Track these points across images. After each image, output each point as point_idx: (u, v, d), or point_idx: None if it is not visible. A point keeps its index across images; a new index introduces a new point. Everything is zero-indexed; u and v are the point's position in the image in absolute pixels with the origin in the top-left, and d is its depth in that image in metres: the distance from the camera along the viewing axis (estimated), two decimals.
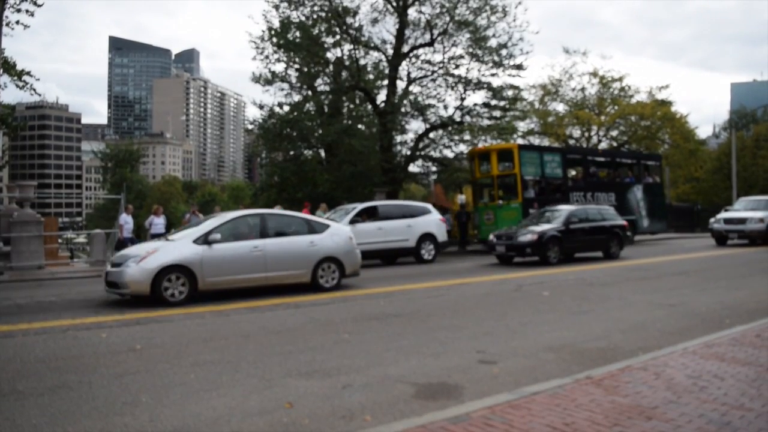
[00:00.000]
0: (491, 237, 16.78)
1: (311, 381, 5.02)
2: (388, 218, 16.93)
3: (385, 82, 26.15)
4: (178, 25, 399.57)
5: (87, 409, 4.41)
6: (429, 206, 18.82)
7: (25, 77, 17.82)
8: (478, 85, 25.92)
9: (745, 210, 22.31)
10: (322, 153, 28.62)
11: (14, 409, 4.43)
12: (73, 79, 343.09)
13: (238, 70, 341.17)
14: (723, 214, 22.57)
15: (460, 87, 26.00)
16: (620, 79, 41.28)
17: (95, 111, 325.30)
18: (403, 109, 25.69)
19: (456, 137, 26.94)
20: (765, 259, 16.12)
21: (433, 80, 26.51)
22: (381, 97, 26.44)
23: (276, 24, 25.23)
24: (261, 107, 27.01)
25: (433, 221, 17.64)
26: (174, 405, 4.46)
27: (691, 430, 3.58)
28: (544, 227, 15.91)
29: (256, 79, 26.25)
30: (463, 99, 26.17)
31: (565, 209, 16.96)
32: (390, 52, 25.86)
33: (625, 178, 25.33)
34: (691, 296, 9.56)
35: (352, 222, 16.12)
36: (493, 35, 25.43)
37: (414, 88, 26.56)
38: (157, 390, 4.83)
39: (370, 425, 3.94)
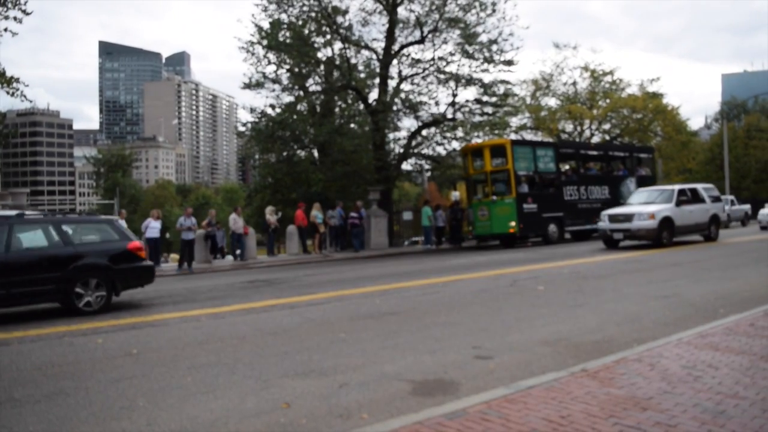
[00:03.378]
0: None
1: (308, 381, 5.03)
2: None
3: (377, 80, 26.17)
4: (164, 27, 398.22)
5: (84, 414, 4.40)
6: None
7: (14, 84, 17.71)
8: (470, 81, 25.99)
9: (638, 204, 18.67)
10: (315, 153, 28.63)
11: (11, 417, 4.42)
12: (60, 84, 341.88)
13: (228, 72, 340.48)
14: (610, 210, 18.98)
15: (452, 84, 26.06)
16: (611, 73, 41.48)
17: (85, 116, 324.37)
18: (394, 107, 25.72)
19: (448, 134, 27.01)
20: (757, 249, 16.22)
21: (424, 78, 26.57)
22: (373, 95, 26.48)
23: (266, 26, 25.22)
24: (252, 111, 27.00)
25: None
26: (171, 408, 4.45)
27: (686, 419, 3.60)
28: None
29: (247, 85, 26.21)
30: (454, 96, 26.27)
31: None
32: (380, 50, 25.88)
33: (618, 171, 25.43)
34: (685, 287, 9.61)
35: None
36: (484, 31, 25.52)
37: (405, 86, 26.65)
38: (154, 394, 4.82)
39: (367, 423, 3.95)
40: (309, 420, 4.10)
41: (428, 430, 3.57)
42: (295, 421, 4.09)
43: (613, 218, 18.02)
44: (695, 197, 18.92)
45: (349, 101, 28.45)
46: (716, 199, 19.95)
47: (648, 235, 17.11)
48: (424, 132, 27.42)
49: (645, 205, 18.15)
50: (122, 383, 5.17)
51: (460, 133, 26.89)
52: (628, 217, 17.48)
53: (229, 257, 22.41)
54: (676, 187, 19.19)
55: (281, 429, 3.98)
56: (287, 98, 27.31)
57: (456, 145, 27.17)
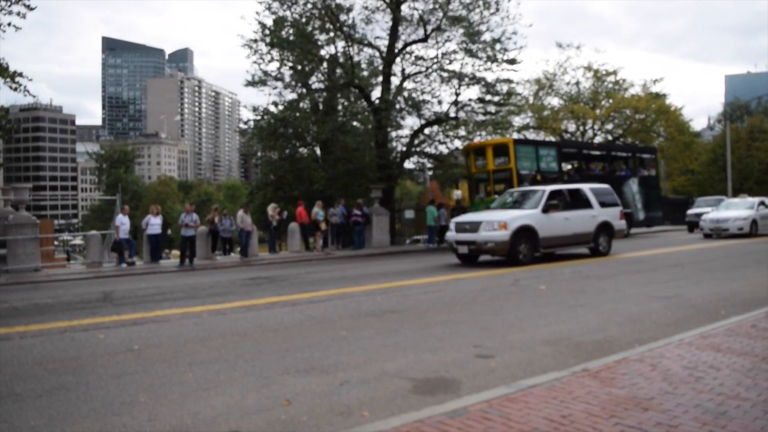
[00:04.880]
0: None
1: (309, 378, 5.03)
2: None
3: (380, 78, 26.15)
4: (166, 23, 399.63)
5: (85, 410, 4.41)
6: None
7: (17, 79, 17.71)
8: (473, 80, 25.94)
9: (498, 208, 15.44)
10: (318, 150, 28.60)
11: (12, 412, 4.42)
12: (63, 79, 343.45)
13: (230, 69, 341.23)
14: (457, 217, 16.02)
15: (455, 82, 26.03)
16: (614, 73, 41.48)
17: (87, 111, 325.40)
18: (397, 106, 25.68)
19: (451, 133, 26.97)
20: (759, 250, 16.18)
21: (427, 76, 26.53)
22: (375, 93, 26.47)
23: (269, 23, 25.19)
24: (254, 109, 26.99)
25: None
26: (172, 404, 4.46)
27: (687, 420, 3.59)
28: None
29: (250, 83, 26.17)
30: (457, 94, 26.24)
31: None
32: (384, 48, 25.86)
33: (621, 172, 25.41)
34: (687, 288, 9.60)
35: None
36: (487, 30, 25.48)
37: (408, 84, 26.60)
38: (155, 390, 4.83)
39: (367, 421, 3.95)
40: (310, 417, 4.10)
41: (429, 428, 3.57)
42: (295, 418, 4.10)
43: (459, 227, 14.46)
44: (576, 201, 15.33)
45: (352, 99, 28.41)
46: (609, 204, 16.15)
47: (498, 249, 13.58)
48: (426, 130, 27.39)
49: (504, 210, 14.83)
50: (123, 379, 5.18)
51: (462, 131, 26.85)
52: (474, 226, 13.98)
53: (232, 254, 22.43)
54: (548, 188, 15.18)
55: (282, 426, 3.98)
56: (290, 95, 27.28)
57: (458, 143, 27.16)
